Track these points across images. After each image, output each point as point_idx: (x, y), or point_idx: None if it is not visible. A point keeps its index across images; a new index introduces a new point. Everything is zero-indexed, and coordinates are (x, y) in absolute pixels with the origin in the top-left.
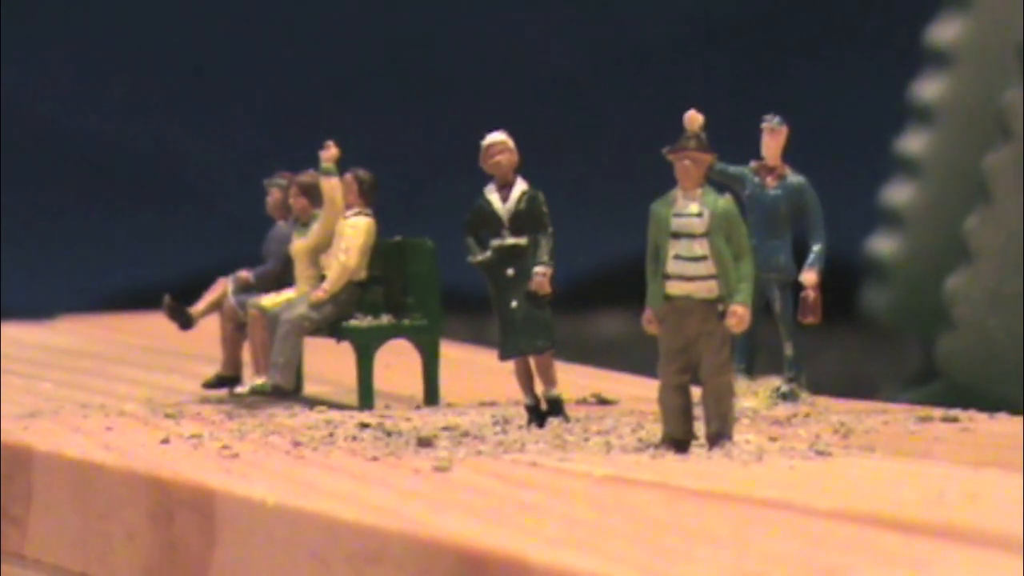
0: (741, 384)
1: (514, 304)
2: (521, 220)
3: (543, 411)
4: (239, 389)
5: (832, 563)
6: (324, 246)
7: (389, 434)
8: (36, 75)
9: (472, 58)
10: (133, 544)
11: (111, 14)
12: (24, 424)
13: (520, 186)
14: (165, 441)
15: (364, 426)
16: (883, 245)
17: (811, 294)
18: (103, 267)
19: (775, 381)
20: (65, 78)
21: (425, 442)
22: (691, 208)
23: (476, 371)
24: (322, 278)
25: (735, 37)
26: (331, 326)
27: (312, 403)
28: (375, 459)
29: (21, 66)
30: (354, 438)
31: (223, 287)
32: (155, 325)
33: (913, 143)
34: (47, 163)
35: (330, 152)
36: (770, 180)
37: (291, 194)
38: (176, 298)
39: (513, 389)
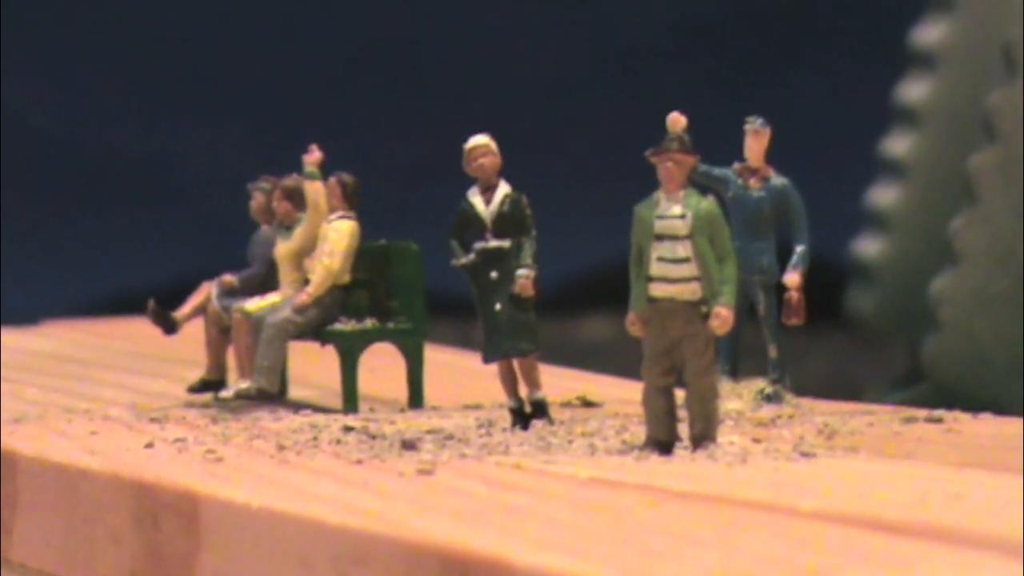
0: (725, 386)
1: (498, 307)
2: (504, 223)
3: (527, 413)
4: (224, 393)
5: (816, 564)
6: (308, 250)
7: (373, 437)
8: (25, 82)
9: (456, 61)
10: (118, 548)
11: (97, 23)
12: (9, 429)
13: (503, 189)
14: (150, 445)
15: (348, 429)
16: (868, 247)
17: (795, 296)
18: (88, 272)
19: (759, 383)
20: (54, 84)
21: (409, 445)
22: (674, 210)
23: (460, 374)
24: (306, 282)
25: (718, 39)
26: (315, 330)
27: (297, 407)
28: (359, 462)
29: (11, 72)
30: (338, 441)
31: (207, 291)
32: (140, 330)
33: (898, 144)
34: (32, 169)
35: (314, 156)
36: (753, 182)
37: (275, 198)
38: (160, 302)
39: (497, 392)
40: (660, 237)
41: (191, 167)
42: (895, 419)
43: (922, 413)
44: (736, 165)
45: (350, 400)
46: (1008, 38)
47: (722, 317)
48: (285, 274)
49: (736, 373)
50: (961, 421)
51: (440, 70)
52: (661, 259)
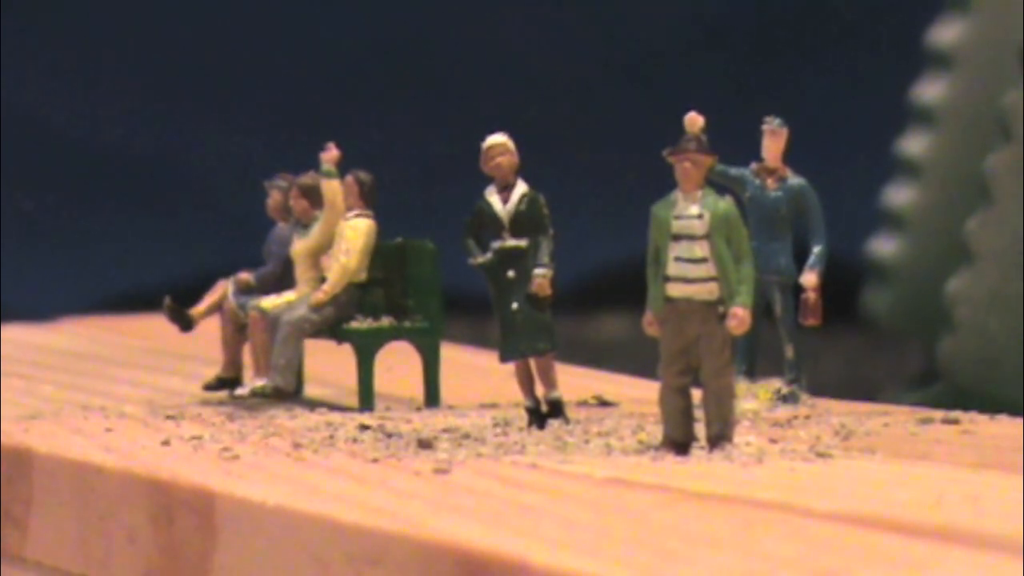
0: (742, 386)
1: (515, 306)
2: (521, 222)
3: (543, 413)
4: (239, 391)
5: (832, 565)
6: (325, 248)
7: (389, 436)
8: (36, 76)
9: (473, 60)
10: (133, 546)
11: (110, 15)
12: (24, 426)
13: (520, 188)
14: (165, 443)
15: (364, 428)
16: (884, 247)
17: (812, 296)
18: (104, 268)
19: (776, 383)
20: (66, 79)
21: (425, 444)
22: (691, 210)
23: (476, 373)
24: (323, 280)
25: (736, 38)
26: (332, 328)
27: (312, 405)
28: (375, 461)
29: (21, 67)
30: (354, 440)
31: (223, 289)
32: (156, 327)
33: (914, 145)
34: (48, 164)
35: (331, 154)
36: (771, 182)
37: (292, 196)
38: (176, 300)
39: (513, 391)
40: (677, 237)
41: (208, 164)
42: (911, 420)
43: (938, 414)
44: (753, 165)
45: (366, 398)
46: None
47: (739, 317)
48: (302, 272)
49: (753, 373)
50: (977, 422)
51: (458, 69)
52: (678, 259)
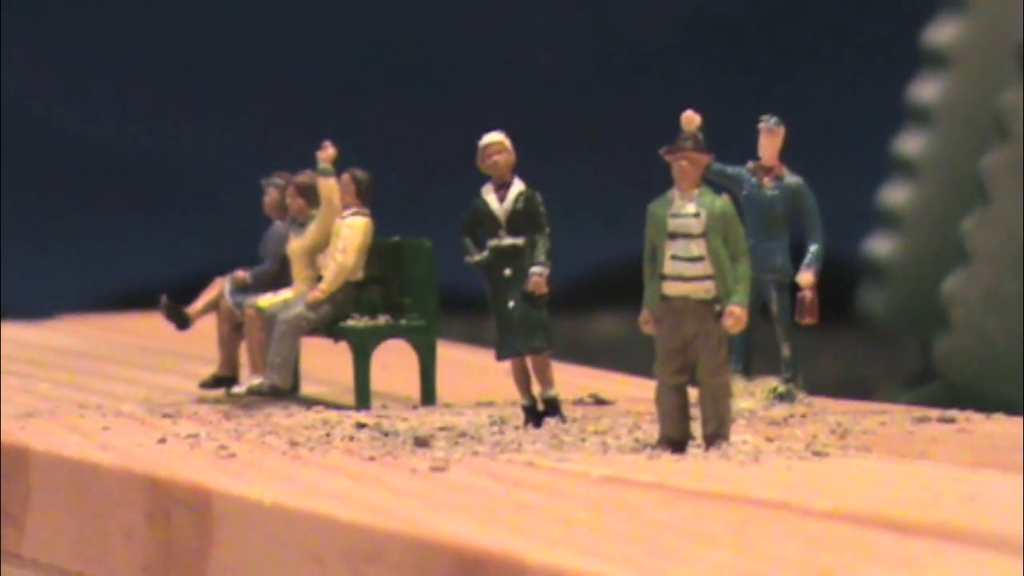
0: (738, 385)
1: (511, 304)
2: (518, 220)
3: (540, 411)
4: (236, 389)
5: (829, 564)
6: (321, 246)
7: (386, 434)
8: (34, 75)
9: (470, 58)
10: (130, 544)
11: (108, 14)
12: (21, 424)
13: (517, 186)
14: (162, 441)
15: (361, 426)
16: (881, 246)
17: (808, 295)
18: (101, 267)
19: (772, 382)
20: (63, 78)
21: (422, 442)
22: (688, 209)
23: (473, 371)
24: (319, 278)
25: (733, 37)
26: (328, 326)
27: (309, 403)
28: (372, 459)
29: (19, 66)
30: (351, 438)
31: (220, 287)
32: (152, 325)
33: (911, 144)
34: (45, 163)
35: (327, 152)
36: (767, 181)
37: (288, 194)
38: (173, 298)
39: (510, 389)
40: (674, 235)
41: (204, 163)
42: (907, 419)
43: (935, 413)
44: (750, 164)
45: (362, 397)
46: (1021, 38)
47: (735, 316)
48: (298, 270)
49: (749, 372)
50: (973, 421)
51: (454, 67)
52: (675, 257)
